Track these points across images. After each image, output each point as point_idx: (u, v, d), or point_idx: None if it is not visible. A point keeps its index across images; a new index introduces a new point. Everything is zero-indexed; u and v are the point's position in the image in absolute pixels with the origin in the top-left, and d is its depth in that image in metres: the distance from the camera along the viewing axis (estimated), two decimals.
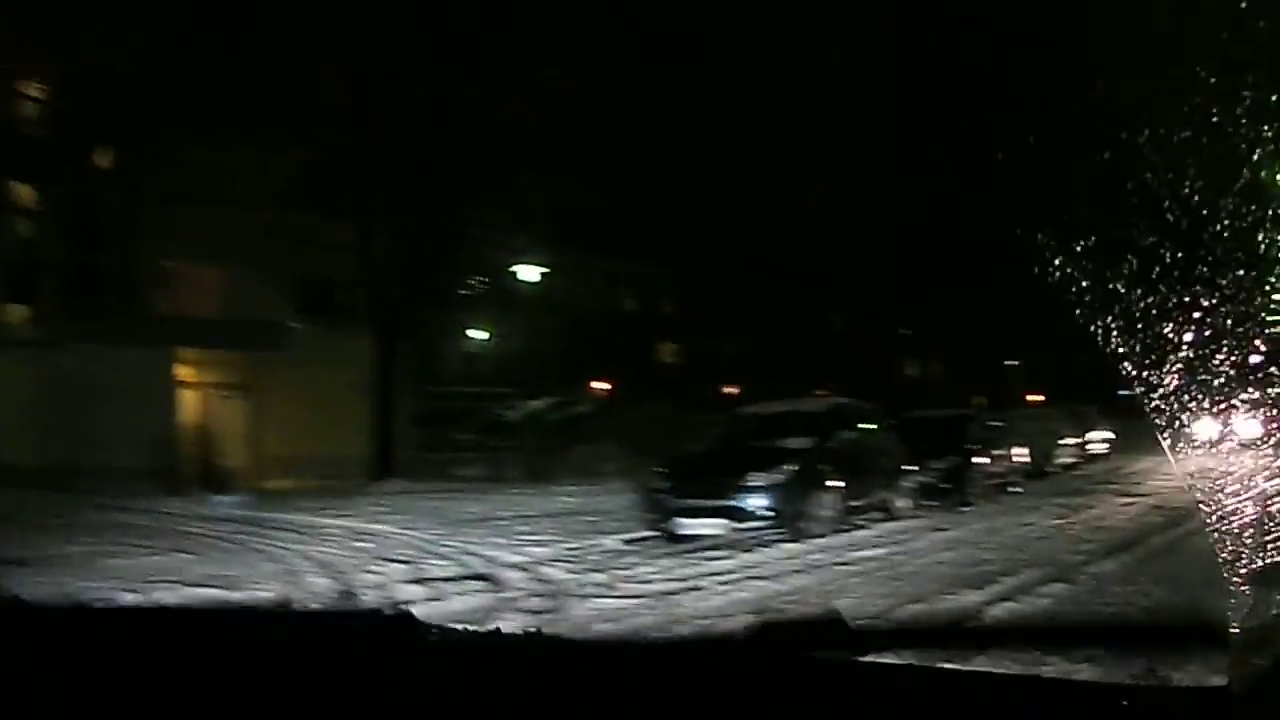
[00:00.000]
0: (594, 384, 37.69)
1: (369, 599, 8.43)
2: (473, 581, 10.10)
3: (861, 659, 1.49)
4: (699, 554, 11.84)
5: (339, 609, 3.53)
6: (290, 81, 21.94)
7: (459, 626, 1.99)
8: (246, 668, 1.49)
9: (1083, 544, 11.78)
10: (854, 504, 14.06)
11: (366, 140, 23.15)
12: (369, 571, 10.63)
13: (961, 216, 40.60)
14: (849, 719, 1.36)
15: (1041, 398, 39.40)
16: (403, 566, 10.98)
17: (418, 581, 10.03)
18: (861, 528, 13.88)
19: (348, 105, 23.37)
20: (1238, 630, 1.49)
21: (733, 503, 12.72)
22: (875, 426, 15.87)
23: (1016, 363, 45.59)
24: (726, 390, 37.97)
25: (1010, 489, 19.14)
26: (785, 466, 13.11)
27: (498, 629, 2.09)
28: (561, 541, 12.93)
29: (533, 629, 2.10)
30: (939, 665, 1.53)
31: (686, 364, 45.28)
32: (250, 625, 1.87)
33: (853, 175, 37.04)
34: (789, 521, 12.81)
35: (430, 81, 23.84)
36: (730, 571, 10.52)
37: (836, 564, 10.80)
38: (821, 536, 12.87)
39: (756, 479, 12.90)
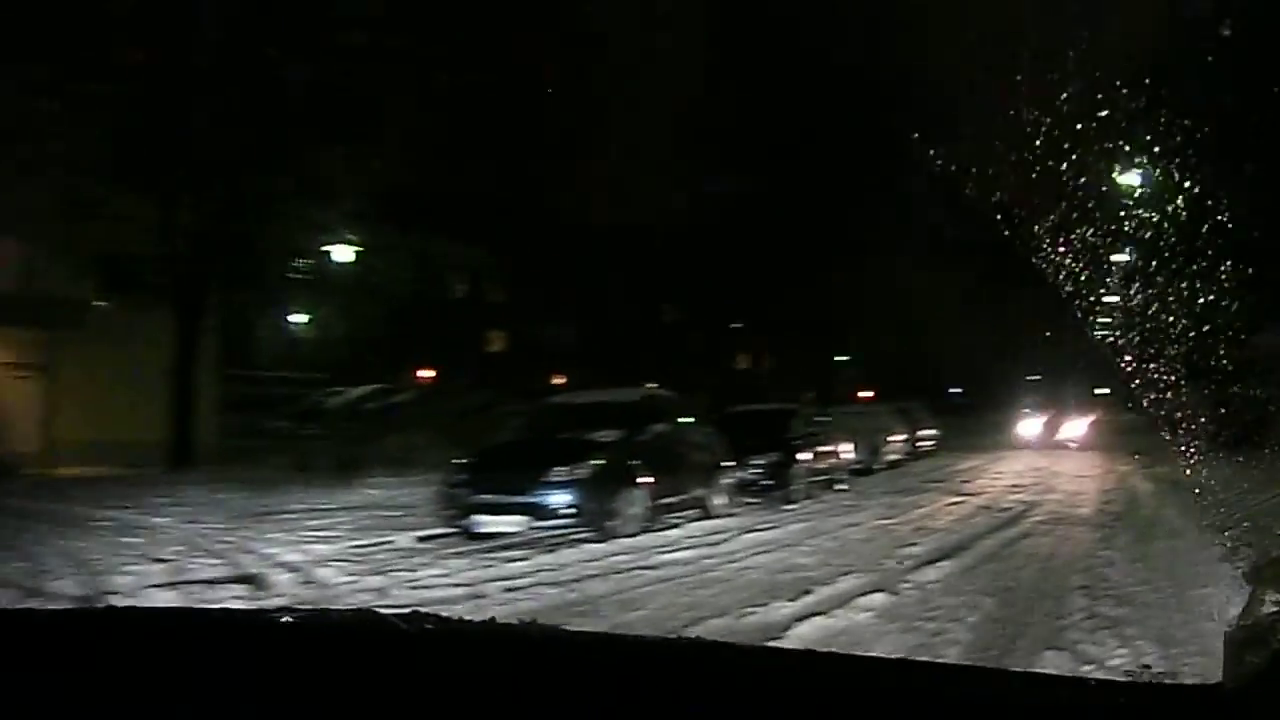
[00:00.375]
0: (420, 372, 36.49)
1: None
2: (235, 585, 9.07)
3: None
4: (494, 554, 10.92)
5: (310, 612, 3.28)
6: (81, 37, 19.89)
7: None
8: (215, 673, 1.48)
9: (908, 547, 11.21)
10: (665, 501, 13.16)
11: (163, 105, 21.14)
12: (123, 572, 9.45)
13: (793, 213, 41.12)
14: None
15: (871, 394, 39.72)
16: (164, 565, 9.94)
17: (173, 584, 8.97)
18: (673, 527, 13.03)
19: (141, 65, 21.32)
20: (1233, 628, 1.47)
21: (533, 499, 11.71)
22: (693, 420, 14.91)
23: (847, 358, 45.91)
24: (556, 380, 37.26)
25: (836, 486, 18.61)
26: (590, 461, 12.10)
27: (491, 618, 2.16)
28: (350, 539, 11.98)
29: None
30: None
31: (514, 353, 44.57)
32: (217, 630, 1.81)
33: (675, 169, 36.29)
34: (593, 520, 11.88)
35: (228, 43, 22.00)
36: (522, 575, 9.53)
37: (640, 568, 9.86)
38: (629, 536, 12.01)
39: (558, 474, 11.91)
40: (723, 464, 14.89)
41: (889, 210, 43.21)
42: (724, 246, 41.53)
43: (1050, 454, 29.95)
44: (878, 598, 8.05)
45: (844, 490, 18.40)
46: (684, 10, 38.26)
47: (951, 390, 63.69)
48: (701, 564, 10.22)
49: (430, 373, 37.05)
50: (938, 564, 9.90)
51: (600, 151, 35.59)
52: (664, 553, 10.91)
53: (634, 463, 12.66)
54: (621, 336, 42.77)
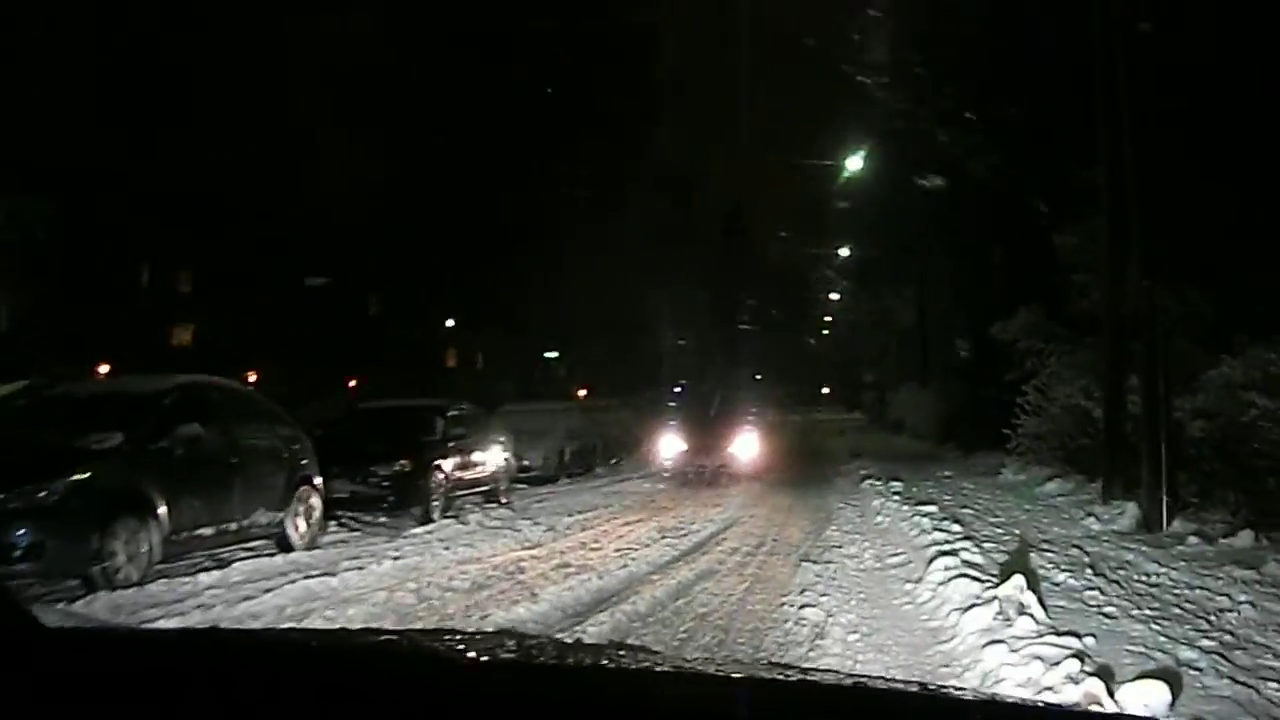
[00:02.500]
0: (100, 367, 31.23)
1: None
2: None
3: None
4: None
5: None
6: None
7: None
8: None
9: (561, 590, 8.24)
10: (200, 534, 9.39)
11: None
12: None
13: (499, 203, 38.48)
14: None
15: (584, 392, 37.17)
16: None
17: None
18: (207, 569, 9.26)
19: None
20: None
21: None
22: (265, 420, 11.08)
23: (556, 355, 42.99)
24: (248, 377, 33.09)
25: (496, 500, 15.25)
26: (65, 479, 8.16)
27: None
28: None
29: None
30: None
31: (200, 347, 39.83)
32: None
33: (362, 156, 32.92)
34: (66, 565, 8.15)
35: None
36: None
37: None
38: (128, 586, 8.26)
39: (9, 500, 7.87)
40: (312, 478, 11.20)
41: (606, 204, 41.12)
42: (425, 237, 38.34)
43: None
44: None
45: (503, 506, 15.03)
46: None
47: (676, 388, 62.48)
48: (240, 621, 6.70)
49: (105, 367, 32.09)
50: (606, 610, 6.74)
51: (280, 135, 32.22)
52: (178, 608, 7.54)
53: (141, 479, 8.80)
54: (319, 329, 38.93)
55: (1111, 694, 4.32)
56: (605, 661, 1.78)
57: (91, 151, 30.09)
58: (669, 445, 19.36)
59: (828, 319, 64.64)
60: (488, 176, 38.15)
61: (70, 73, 29.44)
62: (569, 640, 6.17)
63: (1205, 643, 5.96)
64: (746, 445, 19.46)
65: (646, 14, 45.67)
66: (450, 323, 45.44)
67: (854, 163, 32.86)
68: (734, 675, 1.83)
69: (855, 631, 6.81)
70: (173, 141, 32.44)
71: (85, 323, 31.82)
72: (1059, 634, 5.67)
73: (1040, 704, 2.95)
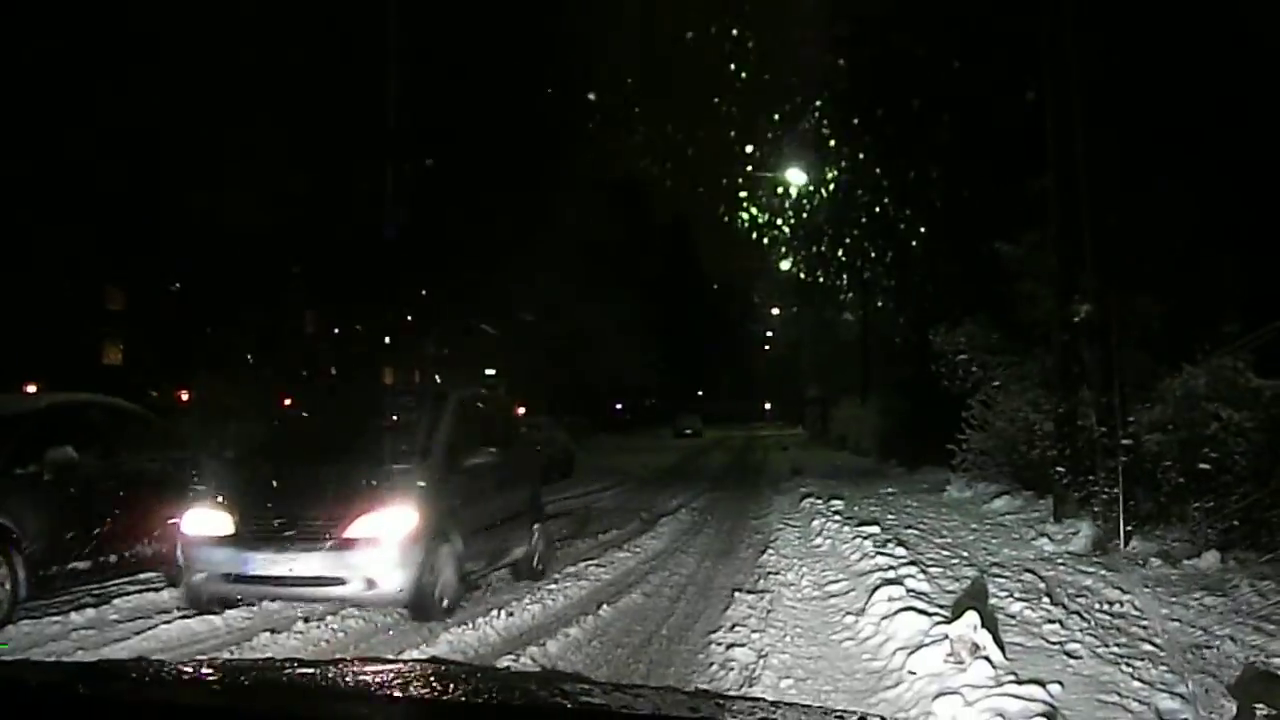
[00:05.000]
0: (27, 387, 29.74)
1: None
2: None
3: None
4: None
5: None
6: None
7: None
8: None
9: (465, 633, 7.38)
10: (74, 567, 8.50)
11: None
12: None
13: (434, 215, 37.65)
14: None
15: (522, 410, 36.10)
16: None
17: None
18: (98, 604, 8.37)
19: None
20: None
21: None
22: (174, 443, 10.08)
23: (493, 373, 41.94)
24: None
25: None
26: None
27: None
28: None
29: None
30: None
31: (133, 362, 38.59)
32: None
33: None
34: None
35: None
36: None
37: None
38: None
39: None
40: None
41: (541, 221, 40.35)
42: (362, 250, 37.27)
43: None
44: None
45: None
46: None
47: (617, 406, 61.92)
48: None
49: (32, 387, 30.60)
50: None
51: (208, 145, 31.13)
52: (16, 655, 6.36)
53: (1, 508, 7.79)
54: (254, 346, 37.80)
55: None
56: (539, 691, 1.75)
57: (9, 161, 28.90)
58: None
59: (769, 334, 64.36)
60: (423, 186, 37.15)
61: None
62: (498, 669, 5.34)
63: (1186, 688, 5.22)
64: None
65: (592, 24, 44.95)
66: (387, 340, 44.30)
67: (795, 176, 32.46)
68: (671, 713, 1.77)
69: (789, 675, 6.01)
70: (96, 150, 31.38)
71: (8, 340, 30.30)
72: (1020, 682, 4.89)
73: None
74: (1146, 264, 12.55)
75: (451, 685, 1.75)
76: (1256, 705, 2.98)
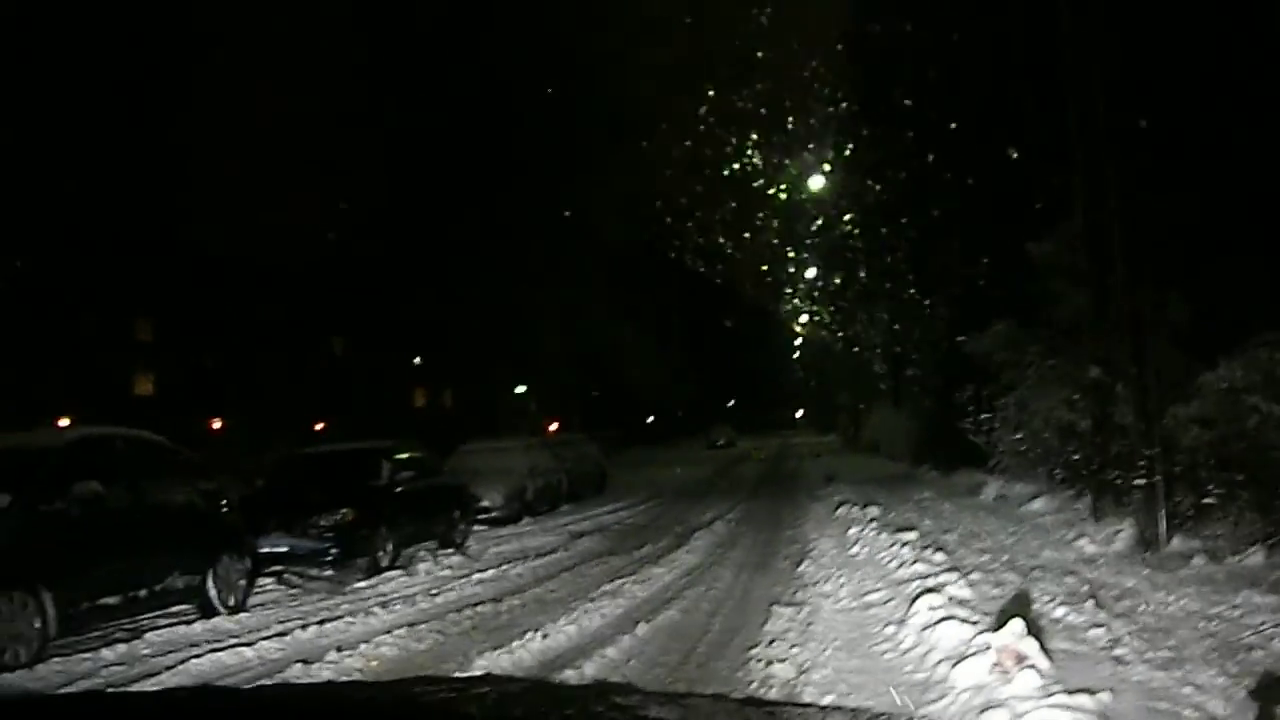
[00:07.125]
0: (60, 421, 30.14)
1: None
2: None
3: None
4: None
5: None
6: None
7: None
8: None
9: (500, 655, 7.32)
10: (105, 603, 8.52)
11: None
12: None
13: (466, 239, 37.80)
14: None
15: (555, 426, 36.22)
16: None
17: None
18: (129, 639, 8.41)
19: None
20: None
21: None
22: (198, 474, 10.15)
23: (525, 389, 41.98)
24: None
25: (451, 545, 14.31)
26: None
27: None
28: None
29: None
30: None
31: (162, 394, 38.84)
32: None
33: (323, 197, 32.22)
34: None
35: None
36: None
37: None
38: (16, 668, 7.43)
39: None
40: (238, 535, 10.24)
41: (571, 239, 40.48)
42: (388, 276, 37.42)
43: None
44: None
45: (458, 551, 14.05)
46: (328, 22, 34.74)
47: (649, 420, 61.80)
48: None
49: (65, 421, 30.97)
50: None
51: (238, 179, 31.22)
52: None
53: (30, 546, 7.85)
54: (284, 372, 37.96)
55: None
56: (597, 706, 1.71)
57: (38, 198, 29.25)
58: None
59: (798, 342, 64.09)
60: (449, 206, 37.32)
61: (18, 119, 28.49)
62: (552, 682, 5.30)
63: (1242, 693, 5.08)
64: None
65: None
66: (417, 360, 44.43)
67: (816, 183, 32.52)
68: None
69: (832, 691, 5.91)
70: (126, 187, 31.70)
71: (41, 375, 30.60)
72: (1070, 692, 4.77)
73: None
74: (1176, 261, 12.36)
75: (508, 701, 1.77)
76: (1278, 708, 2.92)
